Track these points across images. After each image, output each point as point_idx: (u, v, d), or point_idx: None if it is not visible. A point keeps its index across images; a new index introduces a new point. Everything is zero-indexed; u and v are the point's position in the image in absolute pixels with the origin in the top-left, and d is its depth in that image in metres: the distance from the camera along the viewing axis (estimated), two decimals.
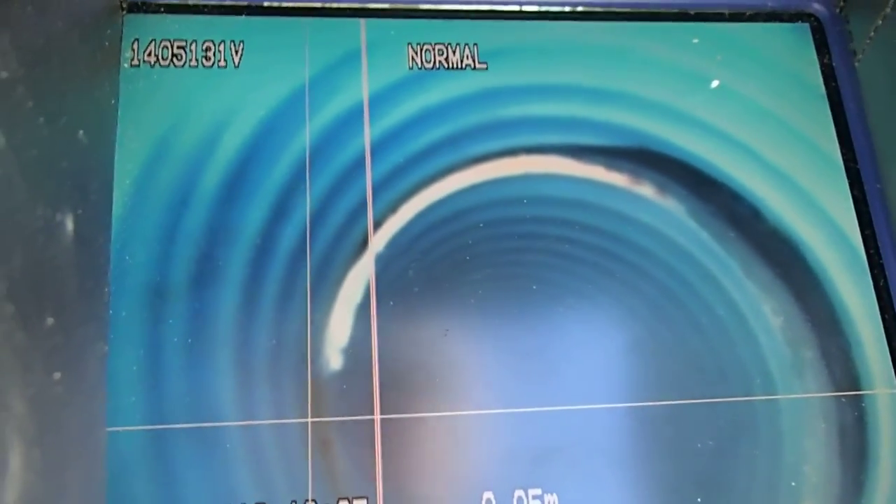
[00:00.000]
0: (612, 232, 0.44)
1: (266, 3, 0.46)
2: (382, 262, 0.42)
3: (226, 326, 0.40)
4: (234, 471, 0.38)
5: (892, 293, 0.44)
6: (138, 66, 0.43)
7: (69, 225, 0.32)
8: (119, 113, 0.42)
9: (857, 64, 0.48)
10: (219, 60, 0.44)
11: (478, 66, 0.46)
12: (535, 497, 0.39)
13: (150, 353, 0.39)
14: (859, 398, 0.42)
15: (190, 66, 0.44)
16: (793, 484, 0.40)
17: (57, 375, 0.31)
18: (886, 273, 0.44)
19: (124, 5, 0.44)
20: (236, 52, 0.45)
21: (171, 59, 0.44)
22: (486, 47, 0.47)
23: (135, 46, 0.44)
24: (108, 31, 0.41)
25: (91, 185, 0.37)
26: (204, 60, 0.44)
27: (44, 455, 0.29)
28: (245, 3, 0.46)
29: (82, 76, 0.36)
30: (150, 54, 0.44)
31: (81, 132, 0.35)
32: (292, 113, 0.44)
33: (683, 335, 0.42)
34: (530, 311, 0.42)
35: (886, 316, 0.43)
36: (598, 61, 0.47)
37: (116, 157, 0.41)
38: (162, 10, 0.45)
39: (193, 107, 0.43)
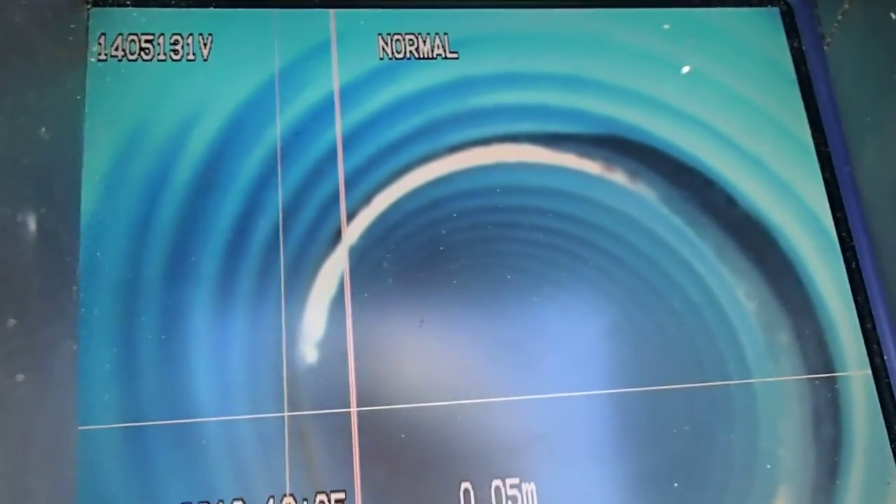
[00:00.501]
0: (586, 219, 0.44)
1: None
2: (356, 254, 0.42)
3: (200, 321, 0.39)
4: (211, 467, 0.38)
5: (863, 275, 0.44)
6: (105, 60, 0.43)
7: (31, 224, 0.32)
8: (87, 108, 0.42)
9: (826, 48, 0.48)
10: (187, 54, 0.44)
11: (449, 55, 0.46)
12: (512, 486, 0.39)
13: (123, 350, 0.38)
14: (833, 380, 0.42)
15: (158, 60, 0.44)
16: (768, 467, 0.40)
17: (20, 377, 0.30)
18: (858, 255, 0.44)
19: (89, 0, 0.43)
20: (205, 45, 0.44)
21: (139, 54, 0.44)
22: (456, 36, 0.47)
23: (101, 41, 0.43)
24: (72, 25, 0.41)
25: (56, 183, 0.36)
26: (172, 54, 0.44)
27: (6, 458, 0.29)
28: None
29: (44, 72, 0.36)
30: (117, 49, 0.43)
31: (43, 129, 0.34)
32: (263, 105, 0.44)
33: (659, 321, 0.42)
34: (506, 301, 0.42)
35: (858, 298, 0.44)
36: (569, 49, 0.47)
37: (85, 153, 0.41)
38: (128, 3, 0.44)
39: (163, 101, 0.43)
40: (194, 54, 0.44)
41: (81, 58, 0.42)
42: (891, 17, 0.41)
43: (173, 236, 0.40)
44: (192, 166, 0.42)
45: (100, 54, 0.43)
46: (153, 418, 0.38)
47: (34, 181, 0.33)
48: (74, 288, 0.38)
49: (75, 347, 0.37)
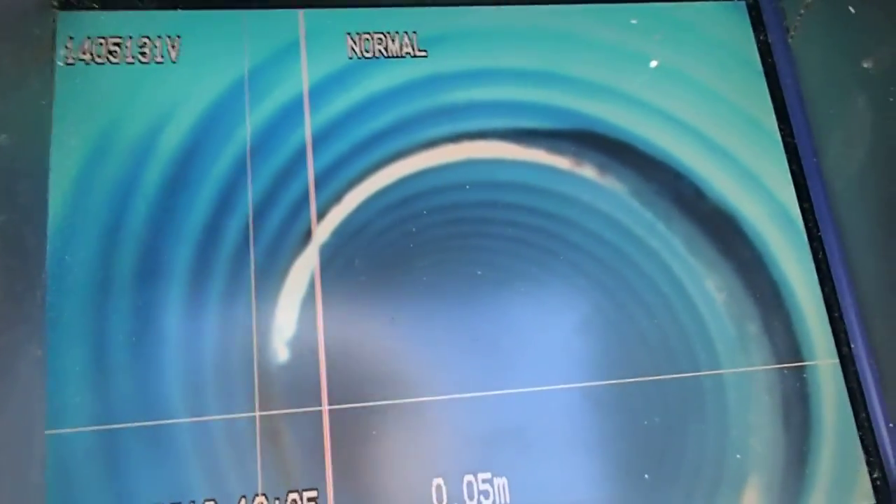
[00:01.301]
0: (557, 214, 0.44)
1: None
2: (327, 252, 0.42)
3: (170, 322, 0.39)
4: (183, 468, 0.38)
5: (830, 265, 0.45)
6: (73, 64, 0.43)
7: None
8: (55, 111, 0.42)
9: (790, 41, 0.48)
10: (156, 56, 0.44)
11: (417, 53, 0.46)
12: (484, 481, 0.39)
13: (93, 351, 0.38)
14: (801, 369, 0.42)
15: (126, 62, 0.44)
16: (738, 457, 0.41)
17: None
18: (825, 246, 0.45)
19: (55, 3, 0.43)
20: (173, 46, 0.44)
21: (107, 56, 0.44)
22: (425, 34, 0.47)
23: (69, 44, 0.43)
24: (37, 29, 0.41)
25: (20, 188, 0.36)
26: (140, 56, 0.44)
27: None
28: None
29: (8, 76, 0.36)
30: (84, 52, 0.43)
31: (4, 136, 0.34)
32: (232, 106, 0.44)
33: (630, 314, 0.43)
34: (477, 296, 0.42)
35: (826, 288, 0.44)
36: (537, 45, 0.47)
37: (53, 156, 0.41)
38: (95, 6, 0.44)
39: (132, 103, 0.43)
40: (163, 56, 0.44)
41: (48, 61, 0.42)
42: (850, 11, 0.42)
43: (143, 237, 0.40)
44: (161, 167, 0.42)
45: (67, 58, 0.43)
46: (124, 420, 0.38)
47: None
48: (39, 292, 0.38)
49: (40, 352, 0.37)
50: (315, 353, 0.40)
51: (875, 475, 0.41)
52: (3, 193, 0.34)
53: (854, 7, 0.41)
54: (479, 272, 0.42)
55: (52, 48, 0.42)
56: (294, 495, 0.38)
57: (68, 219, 0.40)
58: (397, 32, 0.47)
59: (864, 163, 0.42)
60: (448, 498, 0.39)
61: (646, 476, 0.40)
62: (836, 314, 0.44)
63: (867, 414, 0.42)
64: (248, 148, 0.43)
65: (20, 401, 0.35)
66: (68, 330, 0.38)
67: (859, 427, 0.42)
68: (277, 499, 0.38)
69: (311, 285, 0.41)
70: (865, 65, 0.41)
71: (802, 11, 0.46)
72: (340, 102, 0.45)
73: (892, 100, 0.40)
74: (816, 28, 0.46)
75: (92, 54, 0.43)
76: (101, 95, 0.43)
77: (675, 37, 0.49)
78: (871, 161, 0.42)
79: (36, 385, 0.37)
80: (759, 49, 0.49)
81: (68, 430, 0.37)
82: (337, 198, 0.43)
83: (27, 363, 0.36)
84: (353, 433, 0.39)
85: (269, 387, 0.39)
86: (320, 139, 0.44)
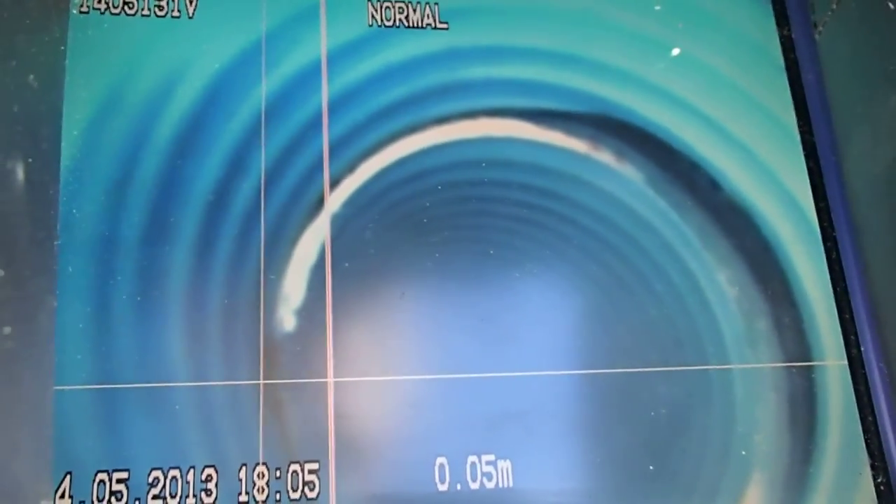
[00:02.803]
0: (571, 198, 0.43)
1: None
2: (339, 223, 0.41)
3: (176, 284, 0.39)
4: (184, 433, 0.37)
5: (843, 266, 0.44)
6: (87, 13, 0.42)
7: (20, 173, 0.31)
8: (67, 61, 0.41)
9: (817, 36, 0.48)
10: (172, 10, 0.43)
11: (438, 25, 0.45)
12: (488, 463, 0.39)
13: (97, 309, 0.38)
14: (810, 369, 0.42)
15: (142, 15, 0.43)
16: (743, 453, 0.40)
17: (7, 330, 0.30)
18: (839, 246, 0.45)
19: None
20: (191, 1, 0.43)
21: (123, 8, 0.42)
22: (447, 6, 0.46)
23: None
24: None
25: (41, 133, 0.35)
26: (157, 10, 0.43)
27: None
28: None
29: (33, 18, 0.35)
30: (100, 1, 0.42)
31: (32, 76, 0.33)
32: (248, 66, 0.43)
33: (640, 303, 0.42)
34: (488, 276, 0.42)
35: (838, 289, 0.44)
36: (560, 25, 0.47)
37: (64, 107, 0.40)
38: None
39: (146, 57, 0.42)
40: (179, 11, 0.43)
41: (65, 7, 0.41)
42: (888, 7, 0.41)
43: (152, 196, 0.40)
44: (173, 125, 0.41)
45: (82, 6, 0.42)
46: (126, 381, 0.37)
47: (23, 128, 0.32)
48: (56, 242, 0.37)
49: (55, 303, 0.37)
50: (323, 323, 0.39)
51: (879, 479, 0.41)
52: (29, 136, 0.33)
53: (893, 3, 0.41)
54: (492, 251, 0.42)
55: None
56: (295, 466, 0.37)
57: (76, 173, 0.39)
58: (419, 3, 0.46)
59: (890, 164, 0.42)
60: (451, 478, 0.38)
61: (650, 467, 0.40)
62: (847, 315, 0.43)
63: (874, 417, 0.42)
64: (262, 111, 0.42)
65: (37, 353, 0.34)
66: (74, 285, 0.38)
67: (865, 430, 0.42)
68: (278, 469, 0.37)
69: (322, 255, 0.40)
70: None
71: (834, 7, 0.46)
72: (358, 70, 0.44)
73: None
74: (847, 24, 0.45)
75: (108, 4, 0.42)
76: (114, 47, 0.42)
77: (697, 26, 0.48)
78: None
79: (49, 338, 0.36)
80: (782, 43, 0.48)
81: (69, 387, 0.36)
82: (350, 167, 0.42)
83: (44, 314, 0.35)
84: (357, 407, 0.39)
85: (274, 355, 0.38)
86: (336, 107, 0.43)
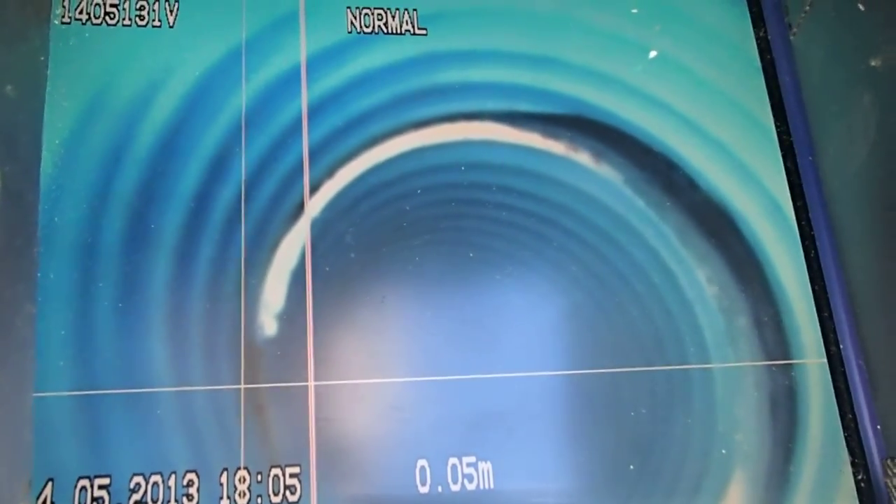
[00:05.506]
0: (550, 199, 0.44)
1: None
2: (319, 227, 0.41)
3: (158, 290, 0.39)
4: (166, 438, 0.37)
5: (822, 264, 0.45)
6: (69, 23, 0.42)
7: None
8: (49, 70, 0.41)
9: (792, 37, 0.48)
10: (153, 20, 0.43)
11: (417, 31, 0.46)
12: (469, 464, 0.39)
13: (79, 316, 0.38)
14: (789, 367, 0.42)
15: (123, 24, 0.43)
16: (724, 451, 0.41)
17: None
18: (817, 244, 0.45)
19: None
20: (171, 11, 0.44)
21: (104, 18, 0.43)
22: (425, 12, 0.46)
23: (65, 3, 0.42)
24: None
25: (20, 142, 0.35)
26: (137, 19, 0.43)
27: None
28: None
29: (12, 28, 0.35)
30: (81, 12, 0.43)
31: (10, 87, 0.33)
32: (228, 74, 0.43)
33: (620, 303, 0.43)
34: (468, 279, 0.42)
35: (816, 287, 0.44)
36: (537, 28, 0.47)
37: (46, 116, 0.40)
38: None
39: (127, 66, 0.42)
40: (160, 20, 0.43)
41: (46, 18, 0.41)
42: (858, 8, 0.42)
43: (134, 202, 0.40)
44: (154, 133, 0.41)
45: (63, 17, 0.42)
46: (108, 387, 0.37)
47: (1, 138, 0.32)
48: (35, 249, 0.37)
49: (34, 310, 0.37)
50: (303, 327, 0.40)
51: (860, 476, 0.41)
52: (7, 144, 0.33)
53: (863, 4, 0.41)
54: (472, 254, 0.42)
55: (50, 5, 0.42)
56: (276, 470, 0.37)
57: (58, 180, 0.39)
58: (398, 9, 0.46)
59: (865, 162, 0.42)
60: (432, 480, 0.38)
61: (631, 467, 0.40)
62: (826, 314, 0.44)
63: (853, 415, 0.42)
64: (242, 117, 0.42)
65: (15, 359, 0.34)
66: (55, 291, 0.38)
67: (845, 428, 0.42)
68: (260, 473, 0.37)
69: (302, 259, 0.41)
70: (873, 63, 0.41)
71: (807, 8, 0.46)
72: (338, 76, 0.44)
73: None
74: (821, 25, 0.45)
75: (89, 14, 0.43)
76: (95, 57, 0.42)
77: (674, 27, 0.48)
78: (872, 161, 0.42)
79: (28, 345, 0.36)
80: (759, 45, 0.49)
81: (51, 394, 0.36)
82: (330, 172, 0.42)
83: (23, 320, 0.35)
84: (338, 410, 0.39)
85: (255, 359, 0.39)
86: (316, 112, 0.43)
